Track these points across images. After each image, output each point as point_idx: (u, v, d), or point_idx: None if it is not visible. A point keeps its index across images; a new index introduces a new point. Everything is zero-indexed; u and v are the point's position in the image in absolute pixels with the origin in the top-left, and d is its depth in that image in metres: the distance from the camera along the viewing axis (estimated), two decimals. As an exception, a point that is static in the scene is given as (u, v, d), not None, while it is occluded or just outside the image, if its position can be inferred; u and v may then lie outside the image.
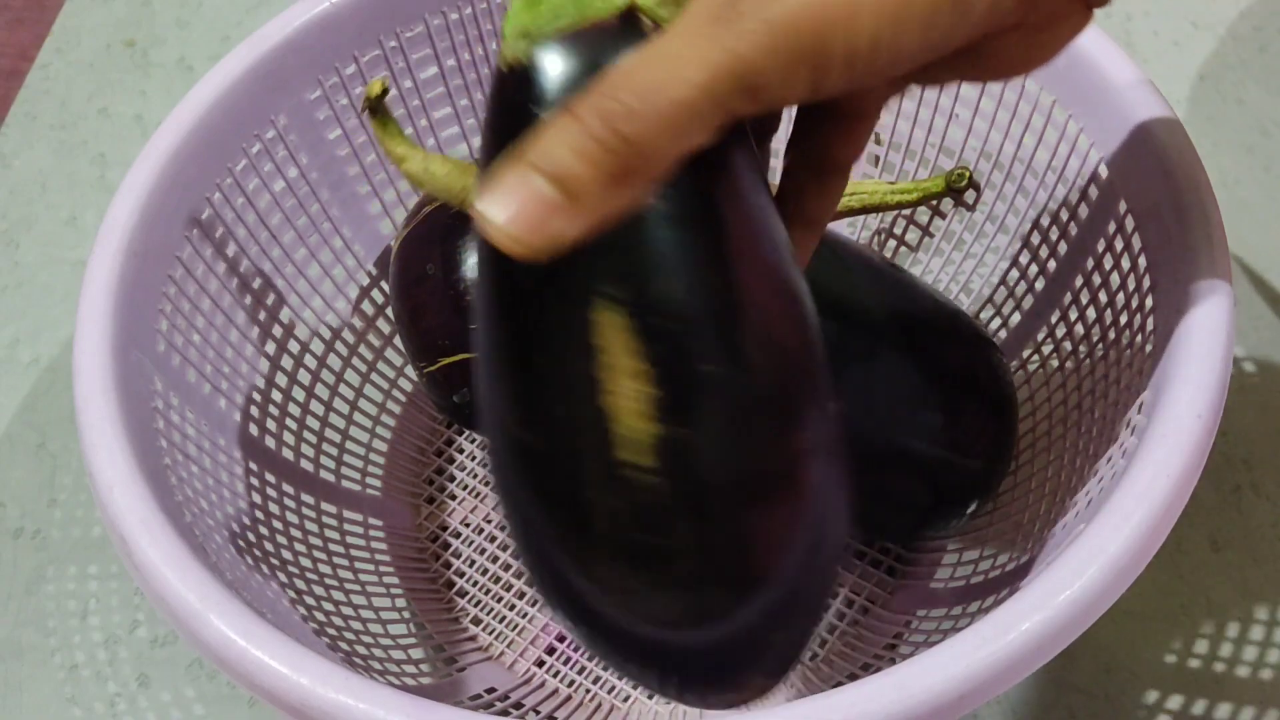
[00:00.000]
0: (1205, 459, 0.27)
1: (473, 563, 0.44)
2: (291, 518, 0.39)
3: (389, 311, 0.46)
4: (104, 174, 0.56)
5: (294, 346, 0.42)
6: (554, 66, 0.23)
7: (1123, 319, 0.34)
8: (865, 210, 0.43)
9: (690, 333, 0.22)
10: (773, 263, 0.24)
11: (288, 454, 0.41)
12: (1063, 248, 0.38)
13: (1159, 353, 0.30)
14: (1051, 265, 0.39)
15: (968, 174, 0.42)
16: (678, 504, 0.23)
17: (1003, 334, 0.43)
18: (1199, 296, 0.29)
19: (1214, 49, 0.57)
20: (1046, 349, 0.40)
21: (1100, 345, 0.36)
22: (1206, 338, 0.28)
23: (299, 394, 0.42)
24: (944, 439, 0.36)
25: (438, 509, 0.46)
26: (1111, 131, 0.34)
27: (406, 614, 0.41)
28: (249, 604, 0.27)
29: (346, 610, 0.38)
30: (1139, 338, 0.32)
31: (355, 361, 0.45)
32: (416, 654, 0.40)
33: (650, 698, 0.40)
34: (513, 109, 0.23)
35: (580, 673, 0.41)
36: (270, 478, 0.39)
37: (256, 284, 0.40)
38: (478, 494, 0.46)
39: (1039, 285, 0.40)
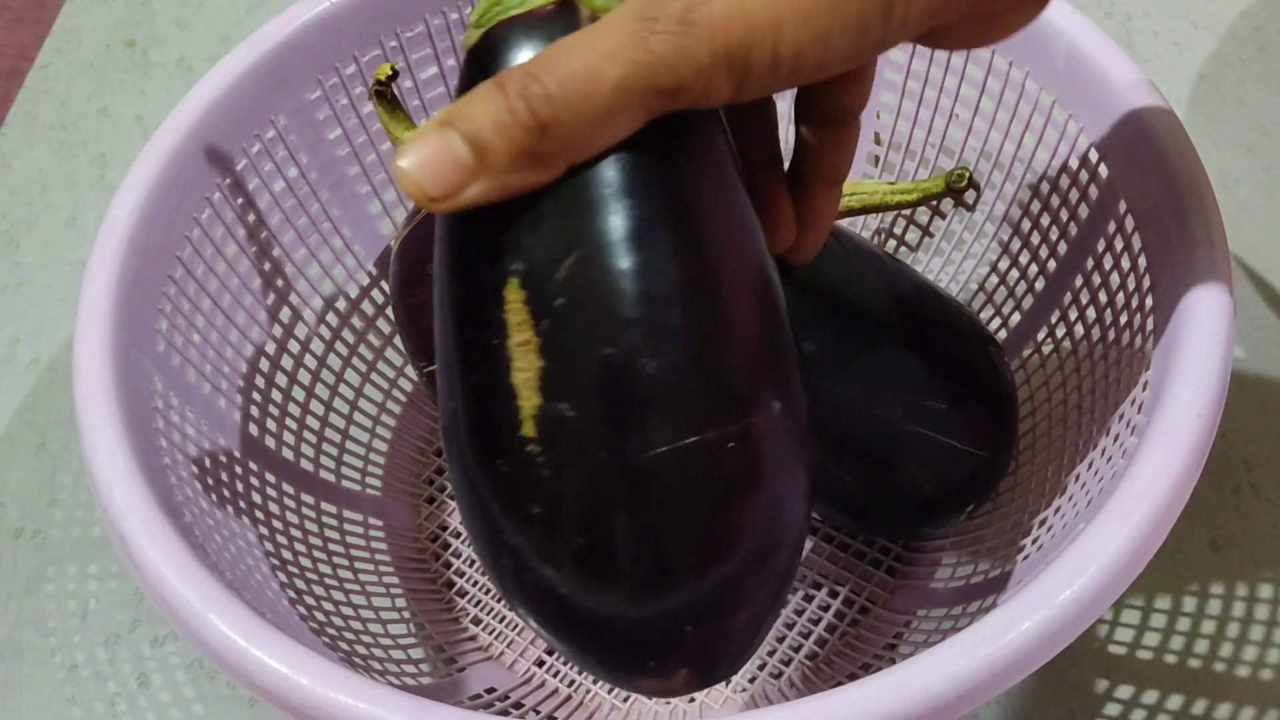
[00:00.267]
0: (1205, 459, 0.27)
1: (473, 563, 0.44)
2: (291, 518, 0.39)
3: (389, 311, 0.46)
4: (104, 174, 0.56)
5: (294, 346, 0.42)
6: (493, 51, 0.25)
7: (1123, 319, 0.34)
8: (865, 210, 0.43)
9: (582, 309, 0.23)
10: (707, 246, 0.24)
11: (288, 454, 0.41)
12: (1063, 248, 0.38)
13: (1159, 352, 0.30)
14: (1051, 265, 0.39)
15: (968, 174, 0.42)
16: (557, 479, 0.23)
17: (1003, 333, 0.43)
18: (1199, 297, 0.29)
19: (1214, 49, 0.57)
20: (1046, 349, 0.40)
21: (1100, 345, 0.36)
22: (1206, 338, 0.28)
23: (299, 394, 0.42)
24: (946, 427, 0.36)
25: (438, 509, 0.46)
26: (1111, 131, 0.34)
27: (406, 614, 0.41)
28: (249, 604, 0.27)
29: (346, 610, 0.38)
30: (1139, 337, 0.32)
31: (355, 361, 0.45)
32: (416, 654, 0.40)
33: (650, 698, 0.40)
34: (465, 92, 0.24)
35: (580, 673, 0.41)
36: (270, 478, 0.39)
37: (256, 284, 0.40)
38: (478, 494, 0.46)
39: (1039, 285, 0.40)
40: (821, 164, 0.29)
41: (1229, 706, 0.39)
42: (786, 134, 0.35)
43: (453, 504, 0.46)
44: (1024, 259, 0.41)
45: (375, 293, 0.45)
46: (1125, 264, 0.34)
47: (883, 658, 0.39)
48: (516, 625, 0.43)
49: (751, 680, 0.40)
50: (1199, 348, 0.28)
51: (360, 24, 0.40)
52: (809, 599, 0.42)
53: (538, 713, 0.39)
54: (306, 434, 0.42)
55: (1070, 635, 0.25)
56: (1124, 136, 0.34)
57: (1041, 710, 0.39)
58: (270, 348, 0.41)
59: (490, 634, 0.42)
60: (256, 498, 0.37)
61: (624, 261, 0.23)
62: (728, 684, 0.40)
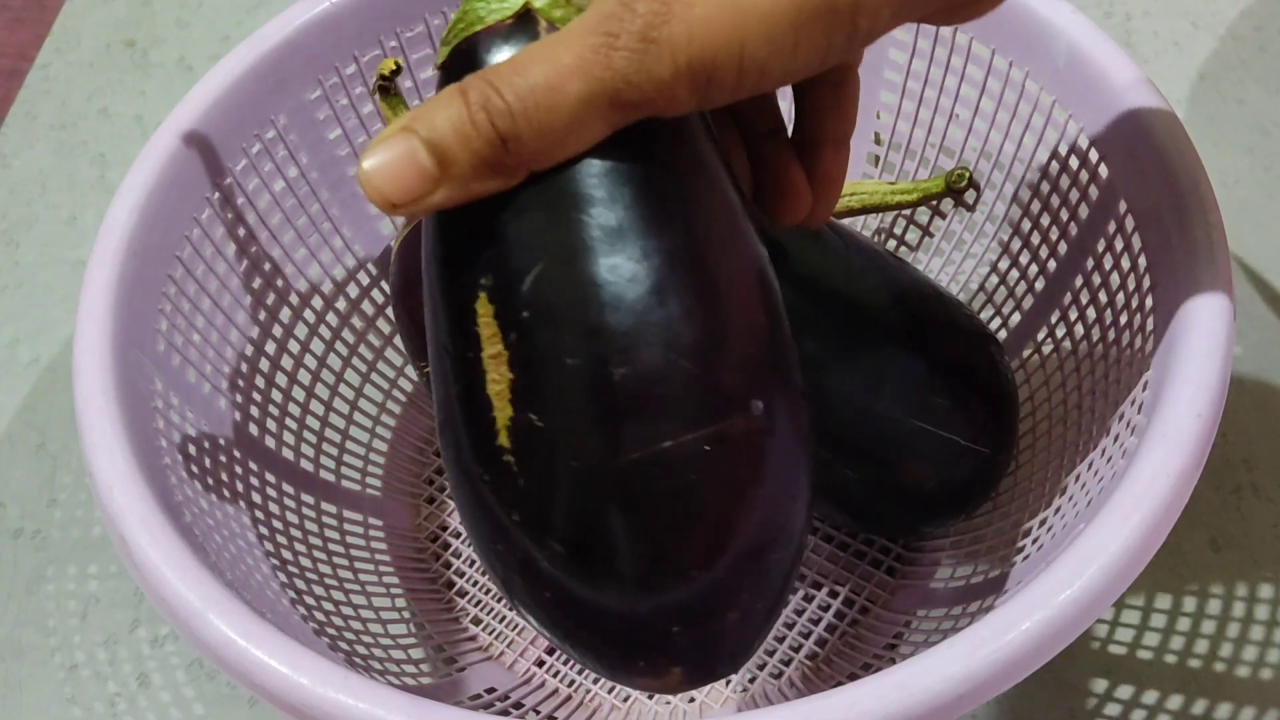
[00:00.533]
0: (1205, 459, 0.27)
1: (473, 563, 0.44)
2: (291, 518, 0.39)
3: (389, 311, 0.46)
4: (104, 174, 0.56)
5: (294, 346, 0.42)
6: (460, 67, 0.25)
7: (1122, 319, 0.34)
8: (865, 210, 0.43)
9: (547, 321, 0.23)
10: (675, 249, 0.23)
11: (288, 454, 0.41)
12: (1063, 248, 0.38)
13: (1159, 352, 0.30)
14: (1051, 265, 0.39)
15: (968, 174, 0.42)
16: (532, 488, 0.23)
17: (1003, 333, 0.43)
18: (1199, 296, 0.29)
19: (1214, 49, 0.57)
20: (1046, 349, 0.40)
21: (1100, 345, 0.36)
22: (1206, 338, 0.28)
23: (299, 394, 0.42)
24: (948, 424, 0.36)
25: (437, 509, 0.46)
26: (1111, 131, 0.34)
27: (406, 614, 0.41)
28: (249, 604, 0.27)
29: (346, 610, 0.38)
30: (1139, 337, 0.32)
31: (355, 361, 0.45)
32: (416, 654, 0.40)
33: (650, 698, 0.40)
34: None
35: (580, 673, 0.41)
36: (270, 478, 0.39)
37: (256, 284, 0.40)
38: (478, 494, 0.46)
39: (1039, 285, 0.40)
40: (826, 126, 0.28)
41: (1229, 706, 0.39)
42: (788, 107, 0.35)
43: (452, 504, 0.46)
44: (1024, 259, 0.41)
45: (375, 293, 0.45)
46: (1125, 264, 0.34)
47: (883, 658, 0.39)
48: (516, 625, 0.43)
49: (751, 680, 0.40)
50: (1199, 348, 0.28)
51: (360, 24, 0.40)
52: (809, 599, 0.42)
53: (538, 713, 0.40)
54: (306, 434, 0.42)
55: (1070, 635, 0.25)
56: (1124, 136, 0.34)
57: (1041, 710, 0.39)
58: (270, 348, 0.41)
59: (490, 634, 0.42)
60: (256, 497, 0.37)
61: (586, 271, 0.23)
62: (728, 683, 0.40)
